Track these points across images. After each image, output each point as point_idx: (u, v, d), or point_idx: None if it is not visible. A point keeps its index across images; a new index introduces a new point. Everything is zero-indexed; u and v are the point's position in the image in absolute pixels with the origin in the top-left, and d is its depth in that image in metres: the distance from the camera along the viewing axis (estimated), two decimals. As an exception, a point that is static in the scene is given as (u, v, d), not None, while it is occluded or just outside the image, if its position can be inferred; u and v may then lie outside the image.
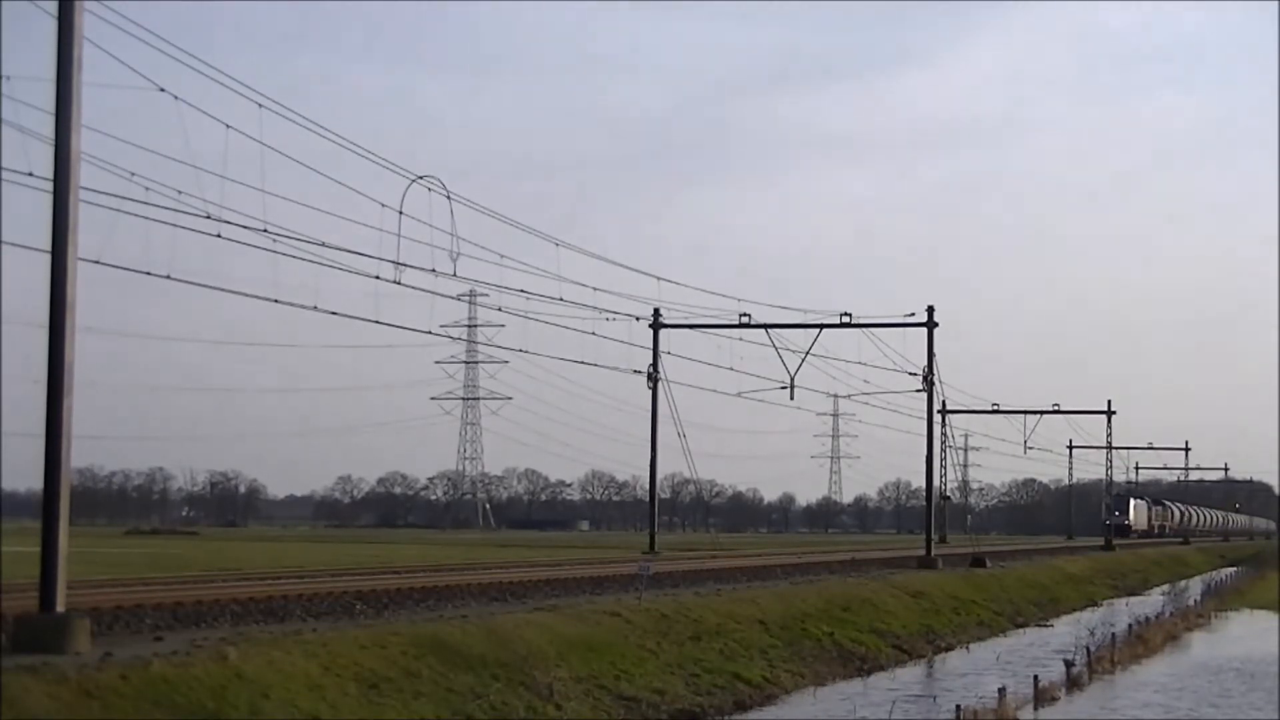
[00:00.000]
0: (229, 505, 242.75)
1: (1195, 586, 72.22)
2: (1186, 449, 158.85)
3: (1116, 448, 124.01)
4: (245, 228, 29.67)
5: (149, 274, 28.98)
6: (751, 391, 66.94)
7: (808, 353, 65.73)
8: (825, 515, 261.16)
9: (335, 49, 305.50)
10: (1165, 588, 74.49)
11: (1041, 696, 30.04)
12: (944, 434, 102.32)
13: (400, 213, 35.65)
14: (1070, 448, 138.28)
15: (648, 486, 74.53)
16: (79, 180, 21.33)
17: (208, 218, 28.09)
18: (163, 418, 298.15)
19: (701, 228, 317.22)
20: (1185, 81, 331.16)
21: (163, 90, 25.82)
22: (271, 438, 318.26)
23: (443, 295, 40.06)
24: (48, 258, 21.02)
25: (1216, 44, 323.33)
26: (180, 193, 27.34)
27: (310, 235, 32.66)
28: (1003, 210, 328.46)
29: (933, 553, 65.20)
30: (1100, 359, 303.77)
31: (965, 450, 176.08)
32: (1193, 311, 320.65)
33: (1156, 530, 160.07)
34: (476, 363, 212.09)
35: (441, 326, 62.60)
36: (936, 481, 77.03)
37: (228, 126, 28.76)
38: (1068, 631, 47.33)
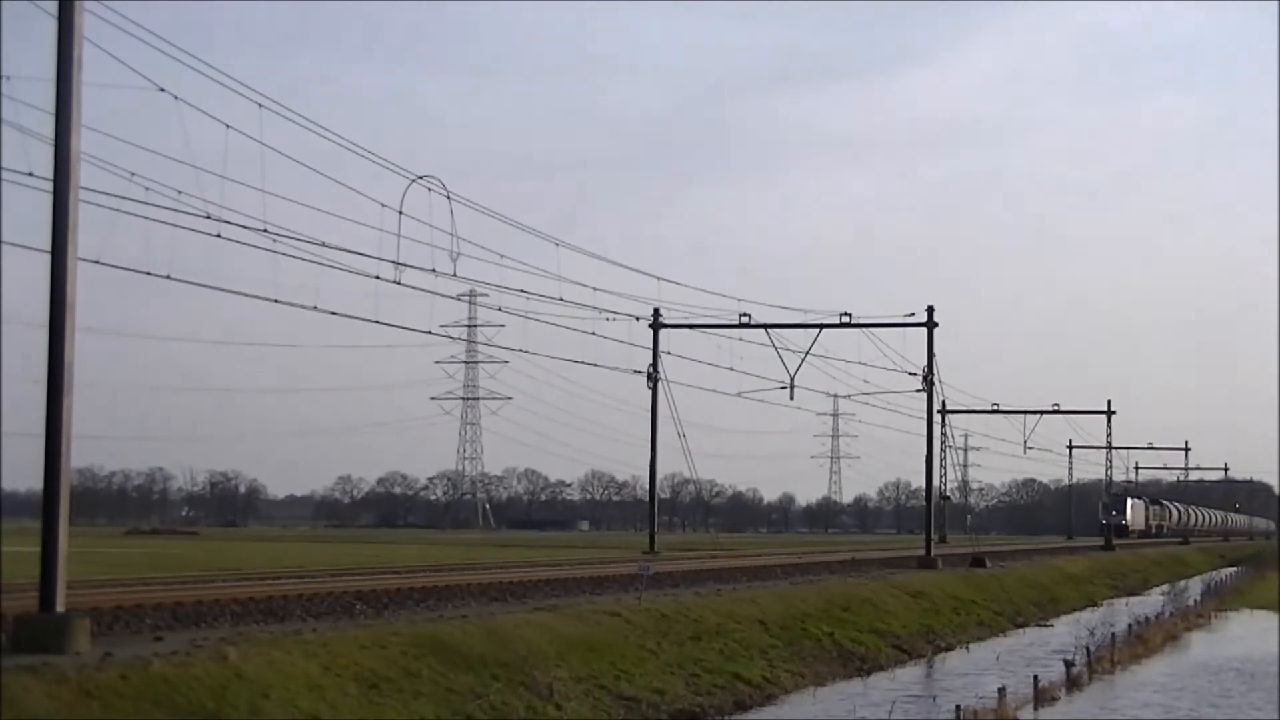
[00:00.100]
0: (229, 505, 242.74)
1: (1195, 586, 72.21)
2: (1186, 449, 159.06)
3: (1116, 448, 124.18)
4: (245, 228, 29.69)
5: (149, 274, 29.02)
6: (751, 391, 67.05)
7: (808, 353, 65.80)
8: (825, 515, 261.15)
9: (336, 49, 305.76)
10: (1165, 588, 74.45)
11: (1041, 696, 30.04)
12: (944, 434, 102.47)
13: (400, 213, 35.66)
14: (1070, 448, 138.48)
15: (648, 486, 74.56)
16: (79, 180, 21.34)
17: (208, 218, 28.10)
18: (163, 418, 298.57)
19: (701, 228, 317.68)
20: (1185, 81, 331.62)
21: (163, 90, 25.84)
22: (271, 438, 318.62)
23: (443, 295, 40.11)
24: (48, 258, 21.02)
25: (1216, 44, 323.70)
26: (180, 193, 27.36)
27: (310, 235, 32.69)
28: (1003, 210, 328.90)
29: (933, 553, 65.20)
30: (1100, 359, 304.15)
31: (965, 450, 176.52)
32: (1193, 311, 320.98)
33: (1154, 530, 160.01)
34: (476, 363, 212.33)
35: (441, 326, 62.70)
36: (936, 481, 77.08)
37: (228, 126, 28.78)
38: (1067, 631, 47.33)
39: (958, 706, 25.87)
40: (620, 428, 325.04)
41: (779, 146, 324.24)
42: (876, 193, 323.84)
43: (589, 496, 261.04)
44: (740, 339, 64.60)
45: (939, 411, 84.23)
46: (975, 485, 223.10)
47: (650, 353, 68.02)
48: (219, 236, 28.97)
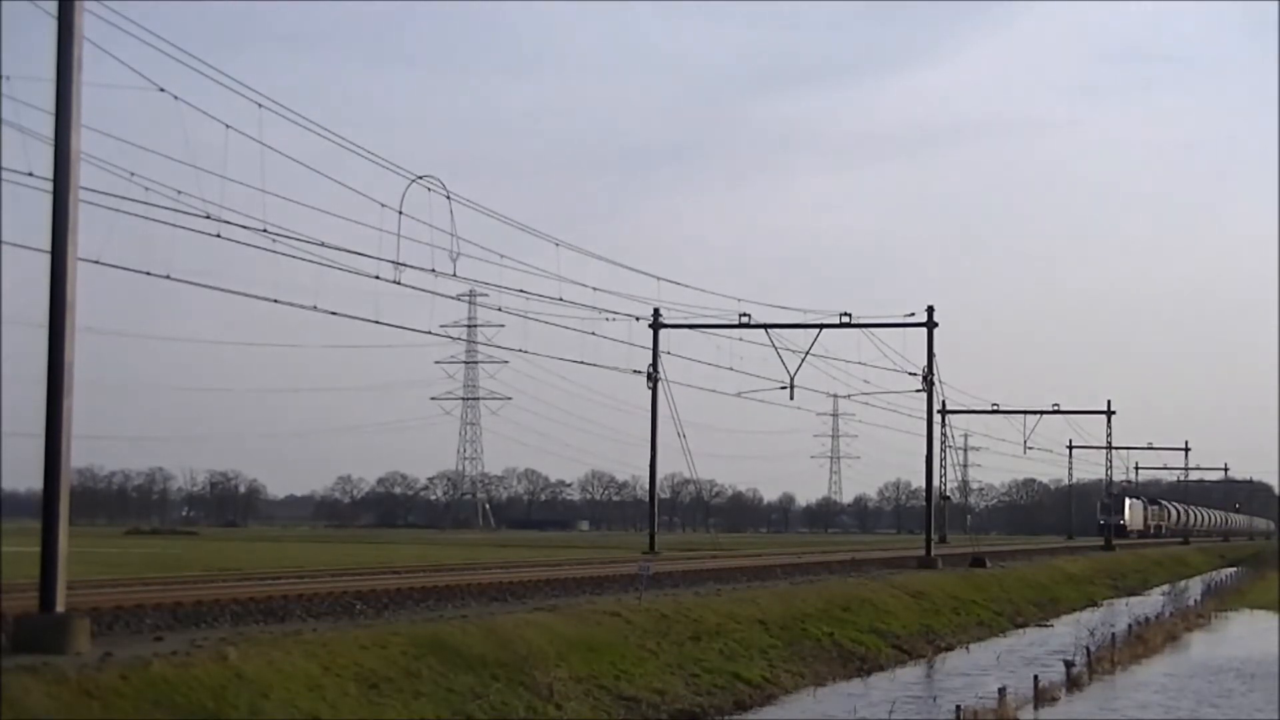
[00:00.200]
0: (229, 505, 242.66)
1: (1195, 587, 72.21)
2: (1186, 449, 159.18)
3: (1116, 448, 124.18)
4: (245, 228, 29.69)
5: (149, 274, 29.03)
6: (751, 391, 67.06)
7: (807, 353, 65.80)
8: (825, 515, 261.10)
9: (335, 50, 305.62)
10: (1165, 588, 74.46)
11: (1041, 697, 30.04)
12: (944, 434, 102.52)
13: (400, 213, 35.67)
14: (1070, 448, 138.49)
15: (648, 486, 74.54)
16: (79, 180, 21.33)
17: (207, 218, 28.09)
18: (163, 418, 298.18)
19: (701, 228, 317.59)
20: (1185, 81, 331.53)
21: (163, 90, 25.84)
22: (271, 438, 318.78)
23: (443, 295, 40.14)
24: (48, 258, 21.02)
25: (1216, 44, 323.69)
26: (180, 193, 27.35)
27: (310, 235, 32.68)
28: (1003, 210, 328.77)
29: (933, 553, 65.21)
30: (1100, 359, 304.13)
31: (965, 450, 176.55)
32: (1193, 311, 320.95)
33: (1153, 530, 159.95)
34: (476, 363, 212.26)
35: (441, 326, 62.92)
36: (936, 481, 77.10)
37: (227, 126, 28.78)
38: (1068, 631, 47.33)
39: (958, 706, 25.87)
40: (620, 428, 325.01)
41: (779, 146, 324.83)
42: (877, 193, 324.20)
43: (589, 496, 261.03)
44: (740, 339, 64.71)
45: (939, 411, 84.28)
46: (975, 485, 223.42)
47: (650, 353, 68.02)
48: (219, 236, 28.99)
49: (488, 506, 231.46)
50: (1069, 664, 33.73)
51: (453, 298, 44.22)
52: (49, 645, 20.03)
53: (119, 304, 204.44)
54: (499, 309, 51.68)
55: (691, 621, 33.23)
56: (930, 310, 67.72)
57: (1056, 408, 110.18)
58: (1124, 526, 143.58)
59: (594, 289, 50.70)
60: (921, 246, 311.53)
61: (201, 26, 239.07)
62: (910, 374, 68.67)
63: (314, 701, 20.69)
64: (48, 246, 21.04)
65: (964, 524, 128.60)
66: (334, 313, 36.79)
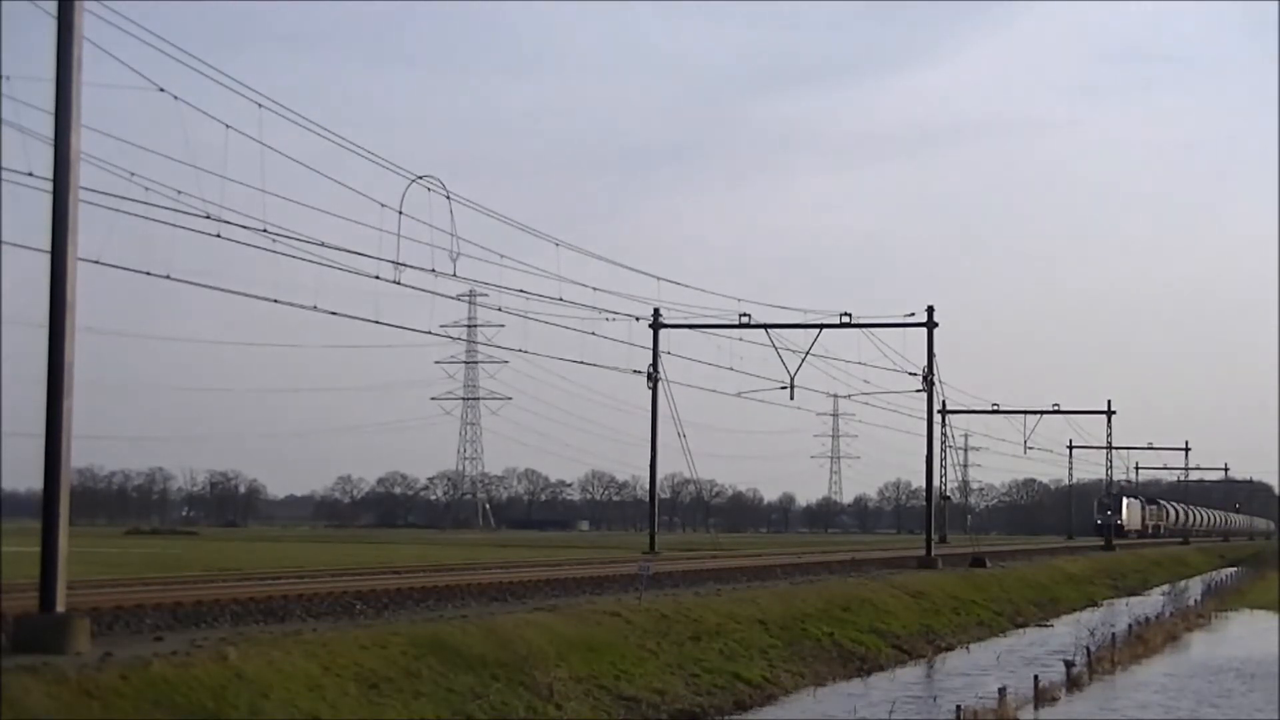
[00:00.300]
0: (229, 505, 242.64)
1: (1195, 587, 72.20)
2: (1186, 449, 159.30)
3: (1116, 448, 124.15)
4: (245, 228, 29.69)
5: (149, 274, 29.03)
6: (751, 391, 67.07)
7: (808, 353, 65.81)
8: (825, 515, 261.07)
9: (335, 50, 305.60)
10: (1165, 588, 74.44)
11: (1041, 696, 30.04)
12: (944, 434, 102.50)
13: (400, 213, 35.67)
14: (1070, 448, 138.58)
15: (648, 486, 74.56)
16: (79, 180, 21.33)
17: (207, 218, 28.10)
18: (163, 418, 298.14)
19: (701, 228, 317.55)
20: (1185, 81, 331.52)
21: (163, 90, 25.84)
22: (271, 438, 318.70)
23: (443, 295, 40.14)
24: (48, 258, 21.02)
25: (1216, 44, 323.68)
26: (180, 193, 27.36)
27: (310, 235, 32.69)
28: (1003, 210, 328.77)
29: (933, 553, 65.20)
30: (1100, 359, 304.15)
31: (965, 450, 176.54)
32: (1193, 311, 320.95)
33: (1151, 530, 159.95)
34: (476, 363, 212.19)
35: (441, 326, 62.87)
36: (936, 481, 77.08)
37: (227, 126, 28.78)
38: (1068, 631, 47.33)
39: (958, 706, 25.87)
40: (620, 428, 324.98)
41: (780, 146, 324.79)
42: (877, 193, 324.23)
43: (589, 496, 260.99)
44: (740, 339, 64.74)
45: (939, 411, 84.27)
46: (975, 485, 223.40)
47: (650, 353, 68.04)
48: (219, 236, 28.99)
49: (488, 506, 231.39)
50: (1069, 664, 33.73)
51: (453, 298, 44.29)
52: (49, 645, 20.04)
53: (119, 304, 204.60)
54: (499, 309, 51.77)
55: (691, 621, 33.22)
56: (930, 310, 67.74)
57: (1056, 408, 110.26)
58: (1122, 526, 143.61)
59: (594, 289, 50.80)
60: (921, 246, 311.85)
61: (201, 26, 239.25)
62: (910, 374, 68.75)
63: (314, 701, 20.69)
64: (48, 246, 21.05)
65: (964, 524, 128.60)
66: (334, 313, 36.83)
